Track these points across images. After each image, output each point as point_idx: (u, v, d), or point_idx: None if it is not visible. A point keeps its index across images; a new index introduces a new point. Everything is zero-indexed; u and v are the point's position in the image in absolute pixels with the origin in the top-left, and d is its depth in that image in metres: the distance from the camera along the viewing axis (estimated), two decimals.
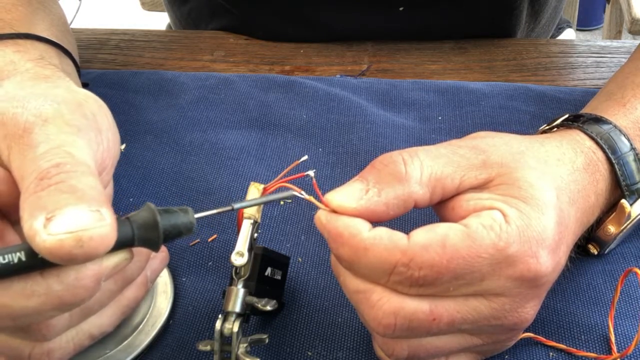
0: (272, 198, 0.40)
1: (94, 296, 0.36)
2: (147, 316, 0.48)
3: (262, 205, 0.44)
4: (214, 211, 0.38)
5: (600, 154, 0.46)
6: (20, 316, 0.34)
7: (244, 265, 0.43)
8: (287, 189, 0.40)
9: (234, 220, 0.45)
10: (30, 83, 0.43)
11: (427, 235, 0.36)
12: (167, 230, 0.35)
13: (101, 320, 0.42)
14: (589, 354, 0.45)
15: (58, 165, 0.34)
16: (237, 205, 0.39)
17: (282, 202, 0.57)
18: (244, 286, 0.43)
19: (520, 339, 0.45)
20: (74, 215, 0.32)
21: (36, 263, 0.33)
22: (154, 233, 0.35)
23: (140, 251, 0.40)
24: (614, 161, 0.45)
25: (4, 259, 0.32)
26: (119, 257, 0.35)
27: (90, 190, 0.34)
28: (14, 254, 0.32)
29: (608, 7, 1.51)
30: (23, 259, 0.32)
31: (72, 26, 0.67)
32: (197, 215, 0.36)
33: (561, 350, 0.45)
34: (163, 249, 0.45)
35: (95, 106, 0.41)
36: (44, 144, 0.36)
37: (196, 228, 0.36)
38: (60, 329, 0.38)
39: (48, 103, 0.39)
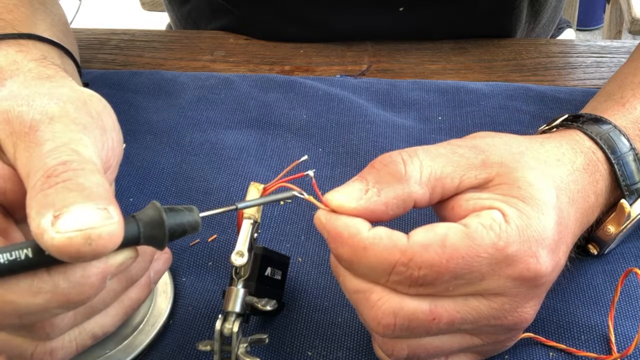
0: (275, 198, 0.40)
1: (98, 295, 0.36)
2: (147, 316, 0.48)
3: (262, 205, 0.44)
4: (218, 210, 0.38)
5: (600, 154, 0.46)
6: (26, 313, 0.34)
7: (244, 265, 0.43)
8: (289, 189, 0.40)
9: (234, 220, 0.45)
10: (34, 82, 0.43)
11: (426, 235, 0.36)
12: (173, 229, 0.35)
13: (104, 320, 0.42)
14: (589, 354, 0.45)
15: (65, 163, 0.34)
16: (240, 205, 0.39)
17: (282, 202, 0.57)
18: (244, 286, 0.43)
19: (520, 339, 0.45)
20: (82, 213, 0.32)
21: (43, 260, 0.33)
22: (160, 231, 0.35)
23: (144, 251, 0.40)
24: (613, 161, 0.45)
25: (10, 255, 0.32)
26: (125, 255, 0.35)
27: (98, 188, 0.33)
28: (20, 251, 0.32)
29: (608, 7, 1.51)
30: (30, 255, 0.32)
31: (72, 26, 0.67)
32: (201, 214, 0.36)
33: (561, 350, 0.45)
34: (166, 251, 0.45)
35: (100, 105, 0.41)
36: (50, 142, 0.36)
37: (201, 227, 0.36)
38: (64, 328, 0.38)
39: (54, 102, 0.39)
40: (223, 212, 0.38)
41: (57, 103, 0.39)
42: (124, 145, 0.62)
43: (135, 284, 0.42)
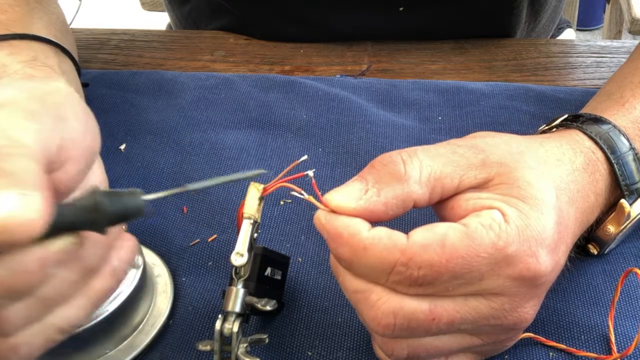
0: (238, 177, 0.39)
1: (48, 284, 0.35)
2: (147, 316, 0.48)
3: (262, 205, 0.44)
4: (166, 193, 0.37)
5: (599, 154, 0.46)
6: None
7: (244, 265, 0.43)
8: (256, 169, 0.40)
9: (234, 220, 0.45)
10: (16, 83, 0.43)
11: (426, 235, 0.36)
12: (113, 213, 0.35)
13: (69, 313, 0.39)
14: (589, 354, 0.45)
15: None
16: (191, 187, 0.38)
17: (282, 202, 0.57)
18: (244, 286, 0.43)
19: (520, 339, 0.45)
20: None
21: None
22: (99, 215, 0.34)
23: (97, 239, 0.38)
24: (613, 161, 0.45)
25: None
26: (65, 241, 0.34)
27: (24, 174, 0.32)
28: None
29: (608, 7, 1.51)
30: None
31: (72, 26, 0.67)
32: (146, 197, 0.36)
33: (561, 350, 0.45)
34: (129, 238, 0.43)
35: (59, 96, 0.40)
36: None
37: (151, 211, 0.36)
38: (19, 323, 0.37)
39: (8, 91, 0.38)
40: (171, 194, 0.37)
41: (11, 92, 0.38)
42: (124, 145, 0.62)
43: (97, 274, 0.40)
